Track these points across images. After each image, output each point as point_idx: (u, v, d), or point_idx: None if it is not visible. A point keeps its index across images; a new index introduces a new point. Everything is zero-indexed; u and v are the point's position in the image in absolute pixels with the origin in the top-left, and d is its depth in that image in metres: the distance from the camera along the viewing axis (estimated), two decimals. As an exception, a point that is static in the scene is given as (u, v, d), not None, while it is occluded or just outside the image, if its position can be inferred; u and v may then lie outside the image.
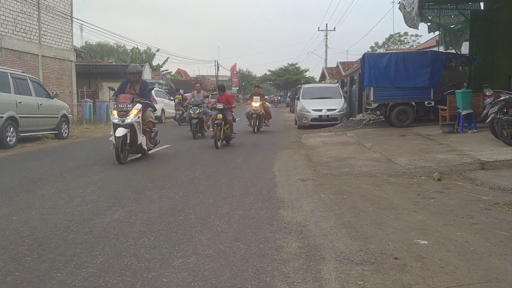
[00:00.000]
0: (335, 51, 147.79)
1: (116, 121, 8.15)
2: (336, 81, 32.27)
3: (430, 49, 16.29)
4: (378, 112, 14.70)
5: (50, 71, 22.56)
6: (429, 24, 15.43)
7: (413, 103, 13.36)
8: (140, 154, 9.15)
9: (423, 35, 57.28)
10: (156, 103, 22.93)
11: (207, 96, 14.30)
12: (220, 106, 11.01)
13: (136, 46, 50.84)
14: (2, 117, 11.03)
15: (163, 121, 23.47)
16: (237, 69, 74.45)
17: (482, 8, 14.86)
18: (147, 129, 8.91)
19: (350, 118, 17.06)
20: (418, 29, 14.32)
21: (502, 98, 8.29)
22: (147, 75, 39.12)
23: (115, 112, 8.30)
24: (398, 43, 56.80)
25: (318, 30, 52.12)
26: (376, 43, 58.79)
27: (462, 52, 15.59)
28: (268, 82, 75.15)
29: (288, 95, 50.43)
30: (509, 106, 8.27)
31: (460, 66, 14.35)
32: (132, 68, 9.25)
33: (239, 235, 3.77)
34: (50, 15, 22.39)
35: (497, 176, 6.12)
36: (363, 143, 10.39)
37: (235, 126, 12.40)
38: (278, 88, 73.21)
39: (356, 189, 5.71)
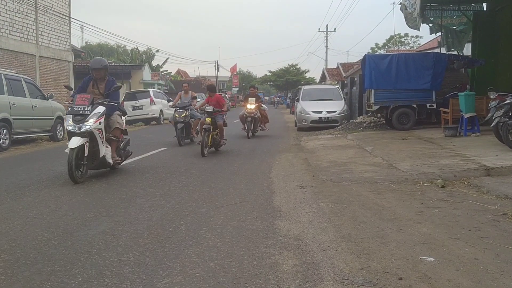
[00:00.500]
0: (336, 52, 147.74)
1: (70, 128, 6.60)
2: (336, 82, 32.04)
3: (432, 51, 16.02)
4: (379, 115, 14.45)
5: (47, 71, 22.35)
6: (430, 25, 15.18)
7: (415, 106, 13.11)
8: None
9: (423, 36, 57.07)
10: (155, 104, 22.80)
11: (195, 97, 12.76)
12: (209, 109, 9.96)
13: (136, 47, 50.67)
14: (-5, 119, 10.80)
15: (162, 122, 23.20)
16: (237, 70, 74.19)
17: (485, 9, 14.62)
18: (113, 138, 7.22)
19: (351, 121, 16.81)
20: (419, 30, 14.20)
21: (507, 101, 8.03)
22: (146, 75, 38.93)
23: (70, 117, 6.72)
24: (399, 44, 56.60)
25: (319, 31, 51.61)
26: (377, 44, 58.59)
27: (464, 54, 15.34)
28: (268, 83, 74.96)
29: (288, 96, 50.17)
30: (514, 109, 8.02)
31: (462, 68, 14.09)
32: (95, 63, 7.45)
33: (232, 250, 3.51)
34: (48, 15, 22.16)
35: (503, 183, 5.86)
36: (363, 147, 10.13)
37: (226, 131, 11.28)
38: (278, 89, 72.98)
39: (357, 197, 5.46)
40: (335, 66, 45.86)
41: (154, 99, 22.73)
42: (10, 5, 18.90)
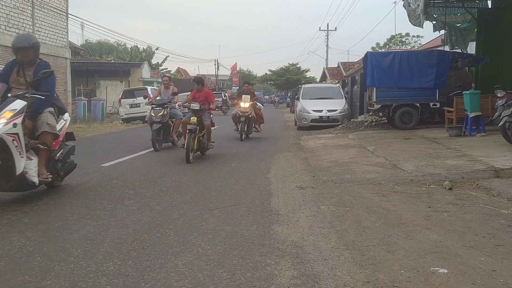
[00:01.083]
0: (336, 52, 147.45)
1: None
2: (337, 81, 31.72)
3: (436, 49, 15.69)
4: (380, 114, 14.11)
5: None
6: (434, 22, 14.85)
7: (418, 105, 12.77)
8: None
9: (424, 36, 56.70)
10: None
11: (176, 93, 10.73)
12: (195, 106, 8.59)
13: (135, 44, 50.35)
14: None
15: (159, 120, 22.83)
16: (238, 69, 73.84)
17: (489, 6, 14.28)
18: (41, 147, 5.03)
19: (352, 120, 16.47)
20: (423, 28, 13.74)
21: (516, 99, 7.71)
22: (146, 73, 38.60)
23: None
24: (400, 43, 56.30)
25: (319, 30, 51.25)
26: (378, 44, 58.27)
27: (468, 52, 15.00)
28: (268, 82, 74.63)
29: (289, 95, 49.83)
30: (523, 108, 7.69)
31: (466, 66, 13.76)
32: (19, 41, 5.24)
33: (223, 259, 3.18)
34: (45, 11, 21.82)
35: (514, 185, 5.54)
36: (365, 146, 9.80)
37: (214, 132, 10.26)
38: (279, 88, 72.65)
39: (360, 199, 5.13)
40: (336, 65, 45.52)
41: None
42: (6, 0, 18.56)
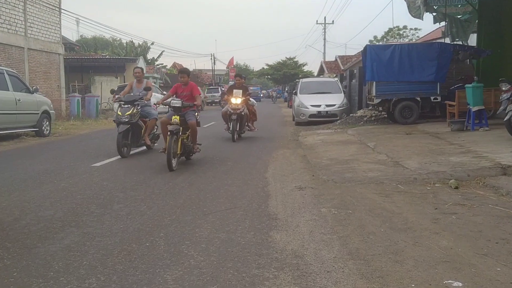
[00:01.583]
0: (334, 45, 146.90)
1: None
2: (335, 75, 31.40)
3: (437, 41, 15.38)
4: (380, 108, 13.83)
5: (37, 64, 21.62)
6: (434, 14, 14.55)
7: (418, 99, 12.48)
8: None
9: (422, 29, 56.38)
10: (149, 98, 22.12)
11: (150, 88, 9.10)
12: (177, 103, 7.28)
13: (130, 40, 49.83)
14: (-27, 114, 10.12)
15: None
16: (234, 63, 73.40)
17: (491, -4, 13.96)
18: None
19: (350, 115, 16.19)
20: (423, 20, 13.46)
21: (522, 93, 7.44)
22: (141, 68, 38.16)
23: None
24: (397, 36, 56.01)
25: (317, 23, 50.89)
26: (375, 37, 57.89)
27: (469, 45, 14.71)
28: (265, 76, 74.23)
29: (286, 89, 49.52)
30: (530, 102, 7.43)
31: (467, 59, 13.47)
32: None
33: (217, 273, 2.91)
34: (37, 6, 21.40)
35: (524, 184, 5.28)
36: (365, 142, 9.54)
37: (201, 132, 9.15)
38: (276, 83, 72.26)
39: (362, 200, 4.87)
40: (333, 59, 45.18)
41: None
42: (-4, -5, 18.16)
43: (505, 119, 7.71)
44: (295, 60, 65.85)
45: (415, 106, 12.51)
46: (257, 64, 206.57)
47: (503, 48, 12.81)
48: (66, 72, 29.51)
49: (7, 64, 16.07)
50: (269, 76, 71.75)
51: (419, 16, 13.44)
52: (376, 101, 12.75)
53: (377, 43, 52.49)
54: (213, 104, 39.53)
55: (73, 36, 54.82)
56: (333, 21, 59.76)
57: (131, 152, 8.76)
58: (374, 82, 12.65)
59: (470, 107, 10.09)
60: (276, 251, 3.32)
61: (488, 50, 12.38)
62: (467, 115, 10.31)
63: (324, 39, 49.78)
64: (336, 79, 20.97)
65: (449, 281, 2.76)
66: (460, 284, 2.71)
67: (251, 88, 57.42)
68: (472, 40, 14.62)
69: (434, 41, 16.09)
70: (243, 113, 11.21)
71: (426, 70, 12.23)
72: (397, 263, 3.05)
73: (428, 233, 3.72)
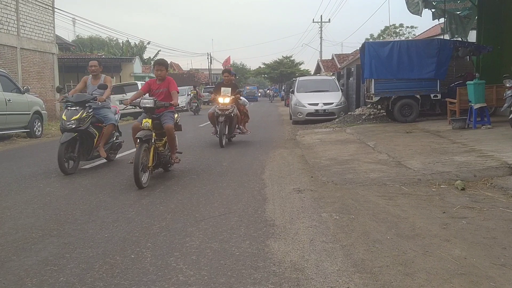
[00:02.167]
0: (330, 44, 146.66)
1: None
2: (332, 73, 31.13)
3: (436, 37, 15.12)
4: (379, 106, 13.56)
5: (30, 64, 21.26)
6: (433, 10, 14.26)
7: (418, 96, 12.24)
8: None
9: (418, 27, 56.36)
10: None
11: (105, 86, 7.15)
12: (148, 102, 5.88)
13: (127, 39, 49.52)
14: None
15: (151, 116, 22.18)
16: (231, 62, 73.04)
17: (490, -8, 13.70)
18: None
19: (349, 113, 15.92)
20: (421, 16, 13.16)
21: (528, 90, 7.18)
22: (137, 68, 37.89)
23: None
24: (394, 35, 55.88)
25: (313, 22, 50.55)
26: (372, 35, 57.74)
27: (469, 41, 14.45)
28: (262, 75, 73.94)
29: (283, 88, 49.25)
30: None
31: (467, 56, 13.21)
32: None
33: (208, 290, 2.62)
34: (30, 5, 21.03)
35: (534, 185, 5.01)
36: (365, 142, 9.26)
37: (181, 138, 8.06)
38: (273, 82, 72.00)
39: (365, 204, 4.58)
40: (330, 58, 44.94)
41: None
42: (-13, -6, 17.80)
43: (510, 117, 7.44)
44: (292, 59, 65.67)
45: (415, 104, 12.26)
46: (253, 63, 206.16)
47: (503, 44, 12.57)
48: (61, 72, 29.18)
49: (-1, 64, 15.71)
50: (266, 75, 71.49)
51: (417, 12, 13.15)
52: (375, 99, 12.49)
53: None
54: (210, 104, 39.23)
55: (69, 36, 54.49)
56: (329, 19, 59.38)
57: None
58: (373, 80, 12.40)
59: (472, 104, 9.84)
60: (274, 263, 3.02)
61: (488, 46, 12.13)
62: (468, 113, 10.06)
63: (321, 37, 49.52)
64: (333, 77, 20.71)
65: (467, 297, 2.48)
66: (480, 301, 2.43)
67: (248, 87, 57.24)
68: (472, 37, 14.36)
69: (434, 37, 15.84)
70: (232, 114, 9.72)
71: (426, 67, 11.99)
72: (407, 277, 2.76)
73: (438, 240, 3.44)
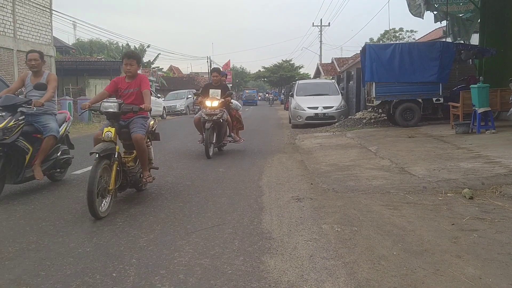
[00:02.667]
0: (330, 47, 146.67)
1: None
2: (331, 77, 30.91)
3: (439, 40, 14.88)
4: (380, 110, 13.29)
5: (26, 67, 21.00)
6: (435, 12, 14.05)
7: (420, 100, 11.97)
8: None
9: (418, 31, 56.25)
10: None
11: (43, 87, 5.57)
12: (110, 106, 4.67)
13: (126, 43, 49.33)
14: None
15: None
16: (231, 66, 72.94)
17: (493, -6, 13.46)
18: None
19: (349, 117, 15.66)
20: (423, 18, 12.95)
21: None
22: (136, 71, 37.59)
23: None
24: (393, 39, 55.78)
25: (313, 26, 50.38)
26: (371, 39, 57.63)
27: (472, 44, 14.20)
28: (262, 79, 73.80)
29: (282, 91, 49.04)
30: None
31: (470, 59, 12.95)
32: None
33: (195, 316, 2.33)
34: (26, 7, 20.80)
35: (546, 193, 4.74)
36: (366, 146, 8.98)
37: (158, 148, 7.29)
38: (272, 85, 71.85)
39: (368, 214, 4.30)
40: (330, 61, 44.76)
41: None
42: (-18, -4, 17.57)
43: (517, 122, 7.17)
44: (292, 62, 65.56)
45: (417, 107, 11.99)
46: (253, 66, 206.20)
47: (506, 47, 12.31)
48: (60, 75, 28.88)
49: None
50: (265, 79, 71.36)
51: (419, 14, 12.95)
52: (376, 102, 12.22)
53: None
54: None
55: (69, 40, 54.29)
56: (329, 23, 59.23)
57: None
58: (374, 83, 12.12)
59: (476, 108, 9.57)
60: (270, 284, 2.73)
61: (492, 49, 11.87)
62: (472, 117, 9.79)
63: (320, 41, 49.37)
64: (333, 80, 20.48)
65: (487, 326, 2.19)
66: (502, 332, 2.14)
67: (247, 91, 56.93)
68: (474, 40, 14.13)
69: (437, 40, 15.59)
70: (221, 120, 8.48)
71: (428, 70, 11.72)
72: (418, 300, 2.48)
73: (449, 256, 3.15)
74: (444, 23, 14.41)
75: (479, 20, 13.45)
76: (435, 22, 14.45)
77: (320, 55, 48.91)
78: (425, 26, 55.84)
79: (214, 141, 8.61)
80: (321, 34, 49.36)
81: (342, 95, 17.06)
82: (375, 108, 13.17)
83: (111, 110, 4.66)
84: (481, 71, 12.85)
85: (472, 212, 4.33)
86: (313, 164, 7.50)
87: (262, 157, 8.58)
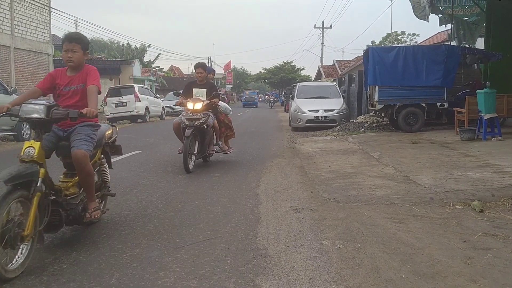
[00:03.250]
0: (331, 50, 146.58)
1: None
2: (332, 80, 30.64)
3: (444, 43, 14.57)
4: (382, 114, 12.98)
5: (24, 64, 20.75)
6: (440, 15, 13.74)
7: (424, 105, 11.65)
8: None
9: (420, 34, 56.03)
10: (140, 100, 21.22)
11: None
12: (35, 110, 3.29)
13: (127, 42, 49.11)
14: None
15: (147, 120, 21.66)
16: (232, 67, 72.73)
17: (499, -2, 13.18)
18: None
19: (350, 121, 15.35)
20: (428, 21, 12.56)
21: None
22: (137, 71, 37.37)
23: None
24: (395, 42, 55.59)
25: (314, 28, 50.17)
26: (373, 42, 57.41)
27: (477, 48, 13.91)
28: (263, 80, 73.60)
29: (283, 93, 48.81)
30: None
31: (475, 63, 12.65)
32: None
33: None
34: (24, 4, 20.54)
35: (562, 208, 4.44)
36: (369, 152, 8.67)
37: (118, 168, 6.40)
38: (273, 87, 71.65)
39: (372, 228, 3.99)
40: (331, 64, 44.52)
41: (140, 96, 21.21)
42: (-21, -8, 17.30)
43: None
44: (293, 64, 65.40)
45: (421, 112, 11.67)
46: (254, 68, 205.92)
47: (512, 52, 12.03)
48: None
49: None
50: (266, 80, 71.19)
51: (424, 17, 12.59)
52: (379, 106, 11.91)
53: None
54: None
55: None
56: (331, 25, 59.05)
57: None
58: (377, 87, 11.82)
59: (482, 114, 9.26)
60: (263, 312, 2.42)
61: (498, 53, 11.57)
62: (478, 123, 9.49)
63: (322, 43, 49.09)
64: (334, 83, 20.19)
65: None
66: None
67: (247, 92, 56.60)
68: (479, 44, 13.83)
69: (442, 43, 15.29)
70: (205, 126, 7.11)
71: (433, 74, 11.41)
72: (432, 337, 2.17)
73: (463, 281, 2.85)
74: (449, 26, 14.10)
75: (484, 24, 13.16)
76: (440, 25, 14.16)
77: (322, 57, 48.69)
78: (427, 30, 55.70)
79: (195, 152, 7.16)
80: (322, 36, 49.13)
81: (343, 98, 16.76)
82: (378, 112, 12.86)
83: (36, 116, 3.25)
84: (486, 76, 12.57)
85: (484, 227, 4.03)
86: (313, 170, 7.19)
87: (261, 161, 8.27)
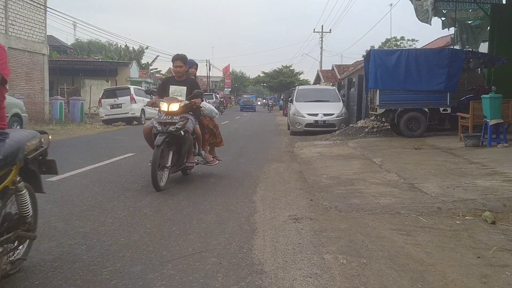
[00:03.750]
0: (330, 54, 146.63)
1: None
2: (331, 84, 30.38)
3: (447, 47, 14.31)
4: (383, 119, 12.68)
5: (18, 65, 20.39)
6: (443, 18, 13.51)
7: (426, 110, 11.35)
8: None
9: (419, 40, 55.98)
10: (135, 102, 20.89)
11: None
12: None
13: (125, 44, 48.85)
14: None
15: (143, 122, 21.28)
16: (230, 70, 72.52)
17: (504, 1, 12.95)
18: None
19: (350, 125, 15.05)
20: (431, 24, 12.38)
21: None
22: (134, 73, 37.07)
23: None
24: (395, 47, 55.48)
25: (314, 32, 49.89)
26: (372, 47, 57.17)
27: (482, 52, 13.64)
28: (261, 84, 73.34)
29: (282, 97, 48.50)
30: None
31: (479, 68, 12.38)
32: None
33: None
34: (19, 3, 20.21)
35: None
36: (370, 158, 8.36)
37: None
38: (272, 91, 71.37)
39: (378, 241, 3.66)
40: (330, 68, 44.30)
41: (135, 97, 20.86)
42: (-26, -10, 16.98)
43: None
44: (291, 68, 65.11)
45: (423, 117, 11.37)
46: (253, 71, 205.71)
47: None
48: (56, 74, 28.33)
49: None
50: (265, 84, 70.93)
51: (426, 20, 12.38)
52: (380, 111, 11.61)
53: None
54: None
55: (67, 40, 53.74)
56: (330, 29, 58.68)
57: None
58: (378, 91, 11.52)
59: (487, 120, 8.97)
60: None
61: (504, 58, 11.29)
62: (483, 129, 9.19)
63: (321, 47, 48.85)
64: (334, 87, 19.92)
65: None
66: None
67: (245, 96, 56.17)
68: (483, 48, 13.57)
69: (445, 47, 15.03)
70: (182, 132, 5.79)
71: (436, 79, 11.13)
72: None
73: (483, 305, 2.53)
74: (452, 30, 13.86)
75: (488, 28, 12.91)
76: (443, 28, 13.90)
77: (321, 62, 48.43)
78: (427, 36, 55.62)
79: (168, 164, 5.77)
80: (322, 40, 48.90)
81: (343, 102, 16.47)
82: (379, 117, 12.56)
83: None
84: (489, 80, 12.30)
85: (498, 241, 3.71)
86: (312, 176, 6.87)
87: (258, 166, 7.95)
